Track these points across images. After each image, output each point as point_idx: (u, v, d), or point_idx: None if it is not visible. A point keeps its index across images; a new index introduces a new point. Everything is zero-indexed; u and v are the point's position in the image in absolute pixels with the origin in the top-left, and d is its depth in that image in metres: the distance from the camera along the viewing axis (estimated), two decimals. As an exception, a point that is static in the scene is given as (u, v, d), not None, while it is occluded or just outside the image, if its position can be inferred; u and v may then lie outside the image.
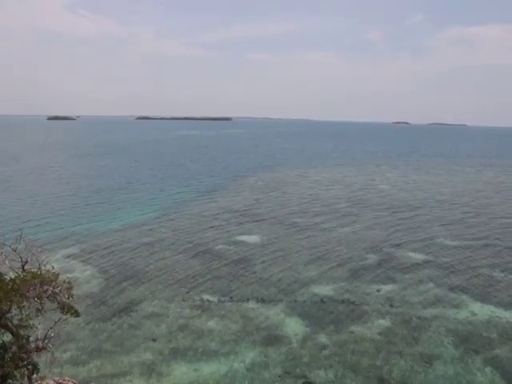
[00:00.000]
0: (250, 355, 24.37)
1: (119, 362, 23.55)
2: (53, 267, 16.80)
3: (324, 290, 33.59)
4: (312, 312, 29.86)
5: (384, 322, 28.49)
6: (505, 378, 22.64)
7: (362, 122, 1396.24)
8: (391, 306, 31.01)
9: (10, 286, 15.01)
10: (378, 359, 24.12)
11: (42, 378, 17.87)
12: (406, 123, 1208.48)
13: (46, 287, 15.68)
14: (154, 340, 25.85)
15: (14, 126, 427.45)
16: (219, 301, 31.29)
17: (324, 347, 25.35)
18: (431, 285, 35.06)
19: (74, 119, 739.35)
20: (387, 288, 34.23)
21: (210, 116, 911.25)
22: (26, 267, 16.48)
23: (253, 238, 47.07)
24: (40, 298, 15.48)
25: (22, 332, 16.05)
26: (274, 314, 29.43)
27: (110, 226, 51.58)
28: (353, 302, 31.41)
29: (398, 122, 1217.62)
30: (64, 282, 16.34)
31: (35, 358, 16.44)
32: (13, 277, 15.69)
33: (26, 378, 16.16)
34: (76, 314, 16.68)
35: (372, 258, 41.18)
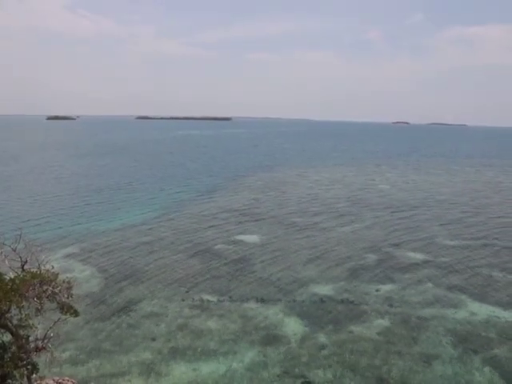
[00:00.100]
0: (249, 355, 24.40)
1: (118, 361, 23.58)
2: (52, 267, 16.79)
3: (323, 289, 33.63)
4: (311, 312, 29.90)
5: (383, 322, 28.54)
6: (503, 377, 22.67)
7: (361, 122, 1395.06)
8: (390, 305, 31.06)
9: (9, 286, 15.01)
10: (376, 359, 24.15)
11: (42, 378, 17.89)
12: (406, 123, 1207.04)
13: (45, 287, 15.70)
14: (153, 339, 25.89)
15: (13, 126, 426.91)
16: (218, 300, 31.33)
17: (323, 347, 25.39)
18: (430, 284, 35.11)
19: (74, 119, 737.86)
20: (386, 288, 34.28)
21: (210, 116, 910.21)
22: (25, 267, 16.49)
23: (252, 238, 47.11)
24: (39, 297, 15.50)
25: (21, 332, 16.07)
26: (273, 313, 29.47)
27: (109, 225, 51.64)
28: (352, 302, 31.44)
29: (397, 122, 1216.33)
30: (63, 281, 16.35)
31: (35, 357, 16.46)
32: (12, 277, 15.69)
33: (25, 378, 16.17)
34: (75, 313, 16.69)
35: (371, 258, 41.23)
